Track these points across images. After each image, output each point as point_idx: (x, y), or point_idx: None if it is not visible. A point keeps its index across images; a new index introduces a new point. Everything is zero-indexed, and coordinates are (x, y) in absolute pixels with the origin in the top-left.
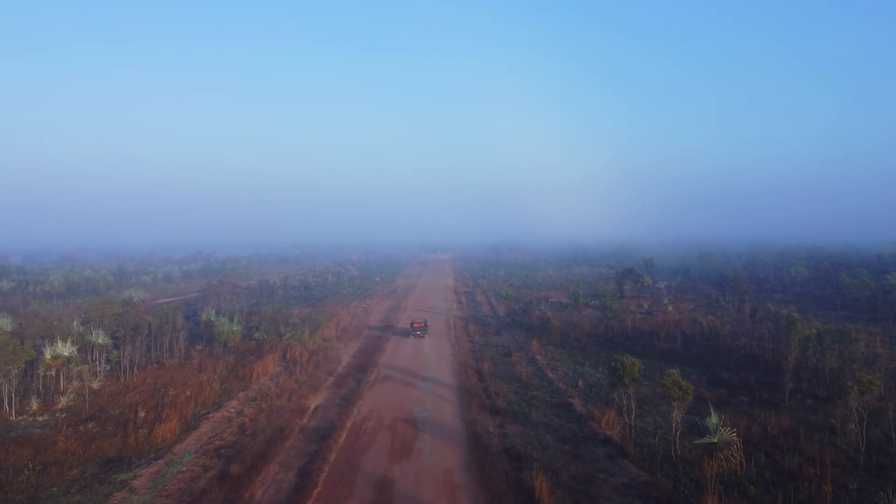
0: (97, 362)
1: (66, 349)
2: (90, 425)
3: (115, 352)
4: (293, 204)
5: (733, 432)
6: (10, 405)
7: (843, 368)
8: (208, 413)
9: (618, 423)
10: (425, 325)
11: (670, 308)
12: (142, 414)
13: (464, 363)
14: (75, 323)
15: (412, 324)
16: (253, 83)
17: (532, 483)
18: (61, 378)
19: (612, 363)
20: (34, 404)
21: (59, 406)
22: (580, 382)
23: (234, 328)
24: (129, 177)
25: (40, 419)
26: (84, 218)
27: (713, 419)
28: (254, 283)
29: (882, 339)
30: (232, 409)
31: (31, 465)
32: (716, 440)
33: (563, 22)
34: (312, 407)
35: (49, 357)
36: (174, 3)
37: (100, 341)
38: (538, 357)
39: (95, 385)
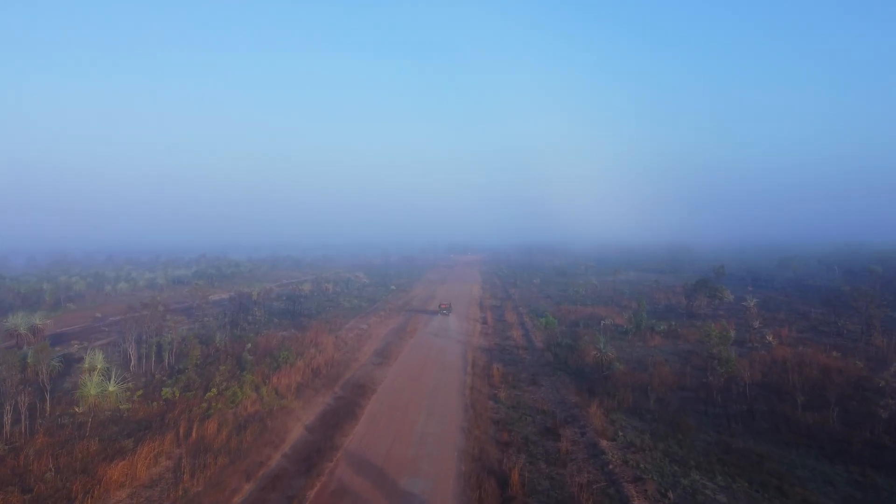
0: None
1: None
2: None
3: None
4: (326, 206)
5: None
6: None
7: None
8: None
9: None
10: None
11: (770, 338)
12: None
13: (478, 457)
14: None
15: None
16: (293, 88)
17: None
18: None
19: None
20: None
21: None
22: None
23: (110, 388)
24: (157, 177)
25: None
26: (111, 218)
27: None
28: (230, 296)
29: None
30: None
31: None
32: None
33: (591, 25)
34: None
35: None
36: (182, 9)
37: None
38: (604, 444)
39: None
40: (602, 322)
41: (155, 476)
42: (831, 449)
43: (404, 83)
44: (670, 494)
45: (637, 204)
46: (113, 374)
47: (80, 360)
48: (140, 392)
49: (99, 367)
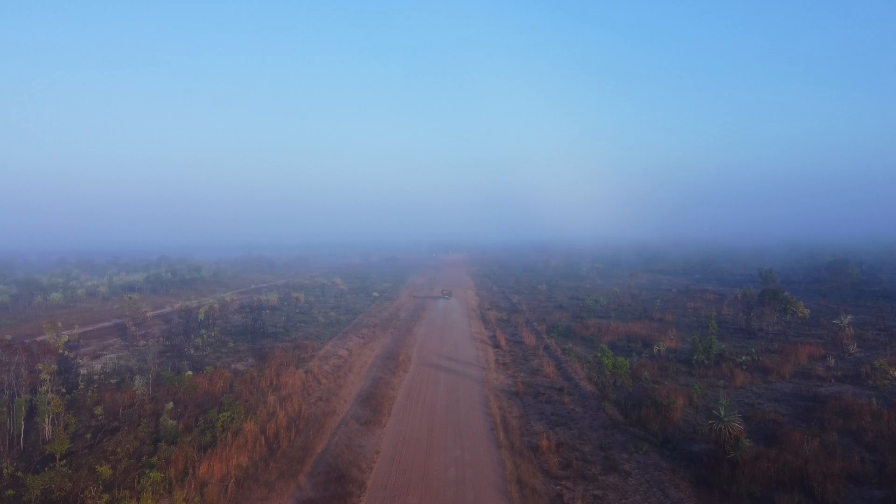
0: None
1: None
2: None
3: None
4: (305, 205)
5: None
6: None
7: None
8: None
9: None
10: None
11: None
12: None
13: None
14: None
15: None
16: (275, 88)
17: None
18: None
19: None
20: None
21: None
22: None
23: None
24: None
25: None
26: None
27: None
28: (173, 310)
29: None
30: None
31: None
32: None
33: (578, 25)
34: None
35: None
36: (179, 9)
37: None
38: None
39: None
40: (655, 348)
41: None
42: None
43: (388, 81)
44: None
45: (622, 202)
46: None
47: None
48: None
49: None
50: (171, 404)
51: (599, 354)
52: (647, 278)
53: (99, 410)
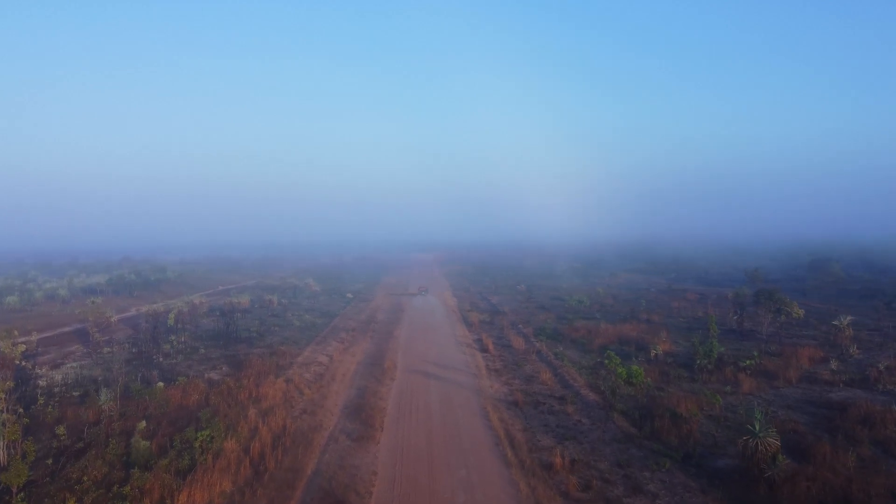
0: None
1: None
2: None
3: None
4: (268, 202)
5: None
6: None
7: None
8: None
9: None
10: None
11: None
12: None
13: None
14: None
15: None
16: (233, 83)
17: None
18: None
19: None
20: None
21: None
22: None
23: None
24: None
25: None
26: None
27: None
28: (146, 313)
29: None
30: None
31: None
32: None
33: (551, 23)
34: None
35: None
36: (175, 13)
37: None
38: None
39: None
40: (652, 352)
41: None
42: None
43: (358, 79)
44: None
45: (597, 202)
46: None
47: None
48: None
49: None
50: (143, 423)
51: (607, 362)
52: (626, 278)
53: (61, 430)
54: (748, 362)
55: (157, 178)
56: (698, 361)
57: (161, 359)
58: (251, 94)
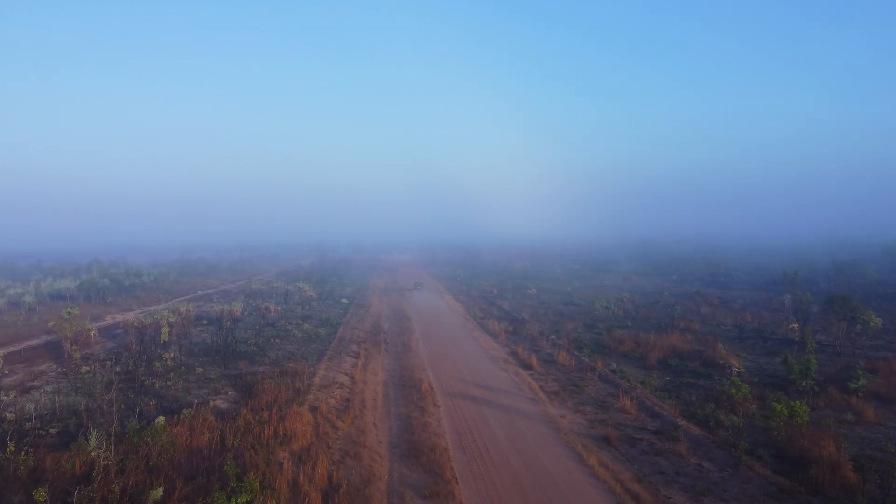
0: None
1: None
2: None
3: None
4: (236, 204)
5: None
6: None
7: None
8: None
9: None
10: None
11: None
12: None
13: None
14: None
15: None
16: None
17: None
18: None
19: None
20: None
21: None
22: None
23: None
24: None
25: None
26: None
27: None
28: (125, 324)
29: None
30: None
31: None
32: None
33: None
34: None
35: None
36: (172, 16)
37: None
38: None
39: None
40: (735, 370)
41: None
42: None
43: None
44: None
45: (572, 201)
46: None
47: None
48: None
49: None
50: (160, 490)
51: (734, 391)
52: (636, 281)
53: (41, 495)
54: (860, 383)
55: (120, 179)
56: (804, 384)
57: (152, 380)
58: (213, 93)
